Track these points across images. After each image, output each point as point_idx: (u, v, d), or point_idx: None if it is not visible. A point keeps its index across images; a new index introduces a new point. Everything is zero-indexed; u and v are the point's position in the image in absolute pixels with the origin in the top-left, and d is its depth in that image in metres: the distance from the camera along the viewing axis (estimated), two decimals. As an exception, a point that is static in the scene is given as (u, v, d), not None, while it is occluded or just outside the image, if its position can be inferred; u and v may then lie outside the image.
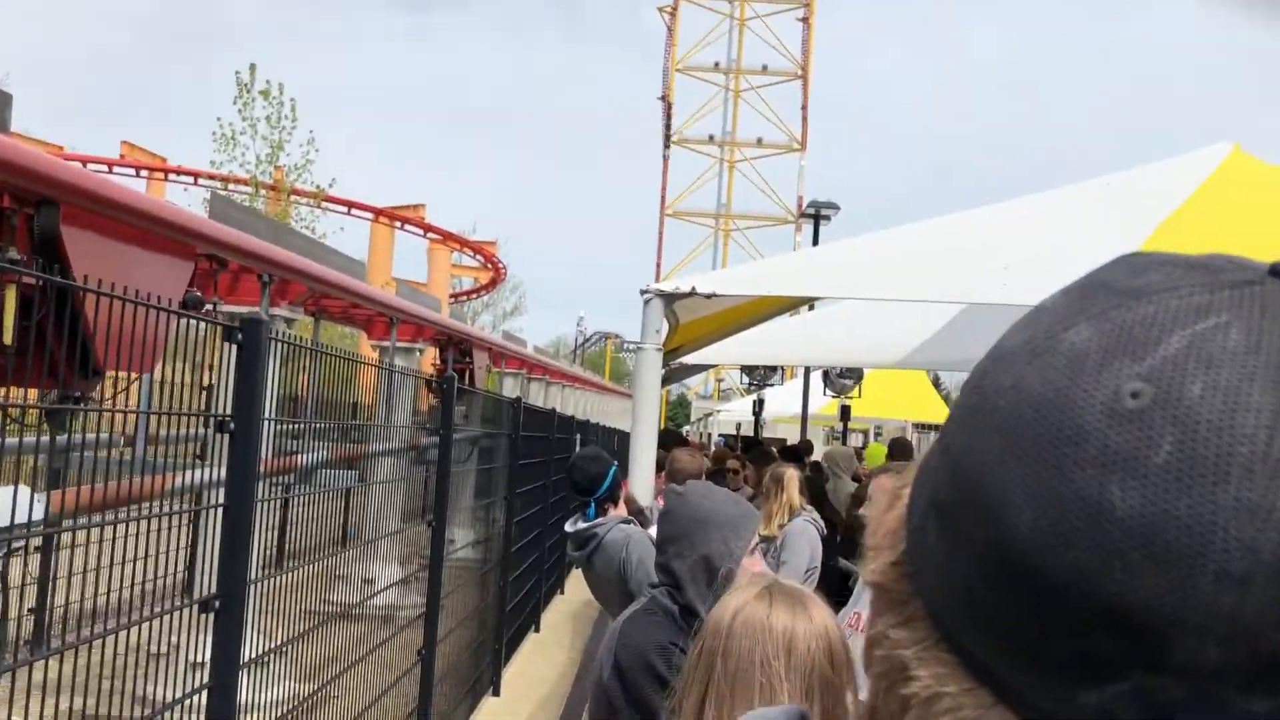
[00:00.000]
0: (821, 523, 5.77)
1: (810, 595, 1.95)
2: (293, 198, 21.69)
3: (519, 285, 53.48)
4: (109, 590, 2.74)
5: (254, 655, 3.23)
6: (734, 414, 27.46)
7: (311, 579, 3.96)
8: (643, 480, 4.88)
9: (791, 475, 5.71)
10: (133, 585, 2.87)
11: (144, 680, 2.87)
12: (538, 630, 9.97)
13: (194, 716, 2.83)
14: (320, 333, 10.63)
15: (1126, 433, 0.43)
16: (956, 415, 0.51)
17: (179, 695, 2.77)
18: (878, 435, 23.41)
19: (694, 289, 4.93)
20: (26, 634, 3.84)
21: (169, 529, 2.91)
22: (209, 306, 6.68)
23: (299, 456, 4.21)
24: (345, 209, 29.73)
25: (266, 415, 3.03)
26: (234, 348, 2.89)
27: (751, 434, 18.49)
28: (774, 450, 9.16)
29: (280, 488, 4.04)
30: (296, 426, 4.13)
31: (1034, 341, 0.48)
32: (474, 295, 42.48)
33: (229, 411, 2.89)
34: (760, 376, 17.53)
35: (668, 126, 65.79)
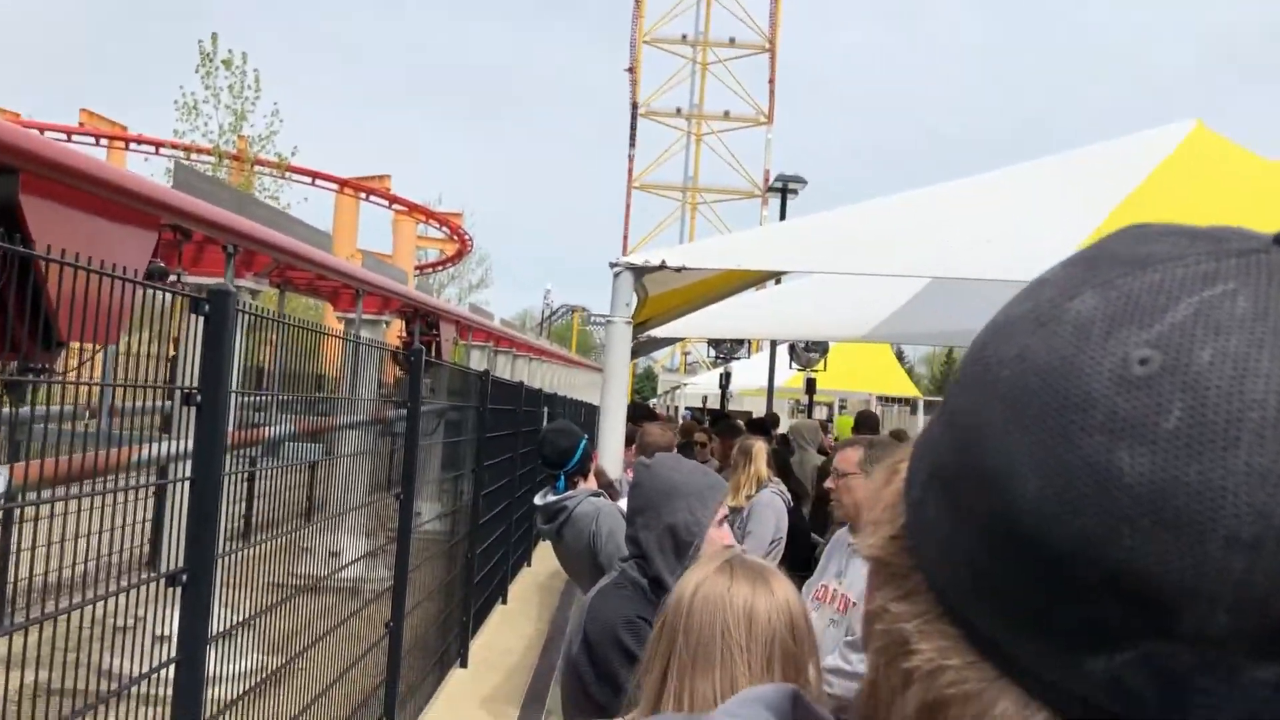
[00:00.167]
0: (788, 494, 5.84)
1: (772, 569, 1.97)
2: (256, 168, 21.48)
3: (485, 258, 53.44)
4: (74, 564, 2.73)
5: (222, 629, 3.22)
6: (700, 387, 27.54)
7: (278, 552, 3.95)
8: (613, 453, 4.89)
9: (760, 447, 5.75)
10: (96, 559, 2.85)
11: (109, 654, 2.86)
12: (505, 602, 10.01)
13: (161, 689, 2.83)
14: (285, 304, 10.55)
15: (1135, 399, 0.43)
16: (958, 387, 0.50)
17: (145, 669, 2.76)
18: (843, 408, 23.55)
19: (664, 262, 4.92)
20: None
21: (132, 502, 2.89)
22: (173, 278, 6.60)
23: (265, 429, 4.18)
24: (310, 179, 29.44)
25: (233, 388, 3.01)
26: (201, 319, 2.87)
27: (718, 407, 18.57)
28: (740, 423, 9.21)
29: (246, 460, 4.02)
30: (262, 399, 4.10)
31: (1038, 311, 0.48)
32: (440, 267, 42.22)
33: (196, 384, 2.87)
34: (727, 350, 17.53)
35: (634, 99, 65.55)
